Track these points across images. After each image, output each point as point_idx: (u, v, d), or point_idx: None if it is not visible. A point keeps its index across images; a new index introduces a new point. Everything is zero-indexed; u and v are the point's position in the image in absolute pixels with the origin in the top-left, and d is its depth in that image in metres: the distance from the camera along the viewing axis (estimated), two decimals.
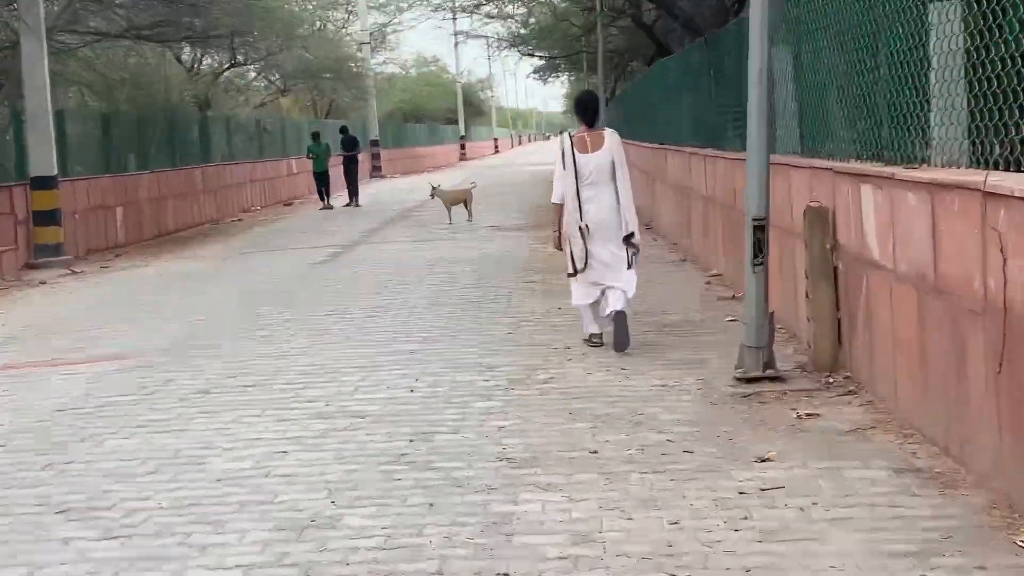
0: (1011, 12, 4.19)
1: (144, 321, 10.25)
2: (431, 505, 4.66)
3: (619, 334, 7.57)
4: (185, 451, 5.71)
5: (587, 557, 4.00)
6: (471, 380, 6.96)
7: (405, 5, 44.64)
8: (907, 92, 5.29)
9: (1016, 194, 4.00)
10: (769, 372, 6.38)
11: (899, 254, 5.35)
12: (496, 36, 37.18)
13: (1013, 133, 4.24)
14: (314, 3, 37.61)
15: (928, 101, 5.05)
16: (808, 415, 5.68)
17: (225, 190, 25.35)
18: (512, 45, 36.00)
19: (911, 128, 5.30)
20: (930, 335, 4.98)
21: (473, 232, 17.76)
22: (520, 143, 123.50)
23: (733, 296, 9.48)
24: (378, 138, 42.62)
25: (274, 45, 28.71)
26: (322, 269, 13.66)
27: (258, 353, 8.26)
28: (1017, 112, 4.17)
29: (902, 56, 5.33)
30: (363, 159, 38.80)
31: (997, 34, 4.30)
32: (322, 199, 25.70)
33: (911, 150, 5.33)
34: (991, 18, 4.33)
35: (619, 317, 7.57)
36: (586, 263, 7.73)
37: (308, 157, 26.43)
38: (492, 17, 33.16)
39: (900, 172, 5.27)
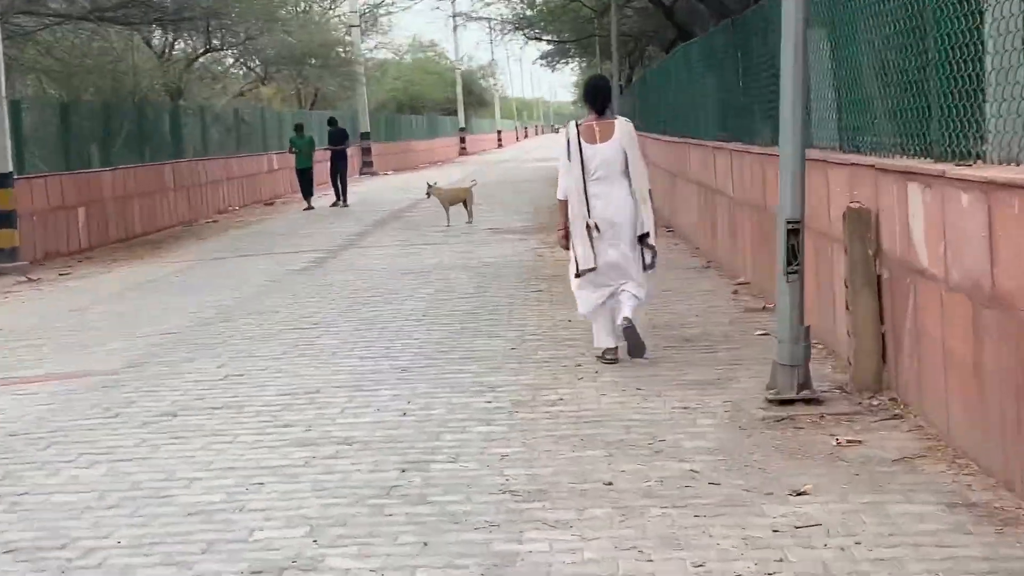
0: None
1: (106, 334, 10.21)
2: (425, 544, 4.60)
3: (631, 338, 7.59)
4: (148, 482, 5.65)
5: None
6: (469, 402, 6.91)
7: None
8: (959, 79, 5.22)
9: None
10: (805, 393, 6.32)
11: (951, 261, 5.30)
12: (499, 18, 37.31)
13: None
14: None
15: (982, 89, 4.98)
16: (849, 442, 5.62)
17: (199, 188, 25.37)
18: (517, 28, 36.07)
19: (963, 120, 5.23)
20: (987, 351, 4.91)
21: (473, 235, 17.74)
22: (526, 136, 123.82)
23: (763, 307, 9.44)
24: (369, 131, 42.61)
25: (254, 28, 28.74)
26: (304, 277, 13.63)
27: (231, 371, 8.22)
28: None
29: (953, 38, 5.26)
30: (352, 154, 38.89)
31: None
32: (306, 199, 25.68)
33: (964, 145, 5.27)
34: None
35: (628, 323, 7.61)
36: (593, 265, 7.69)
37: (290, 151, 26.41)
38: None
39: (951, 170, 5.21)
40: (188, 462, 5.95)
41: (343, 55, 39.69)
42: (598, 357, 7.83)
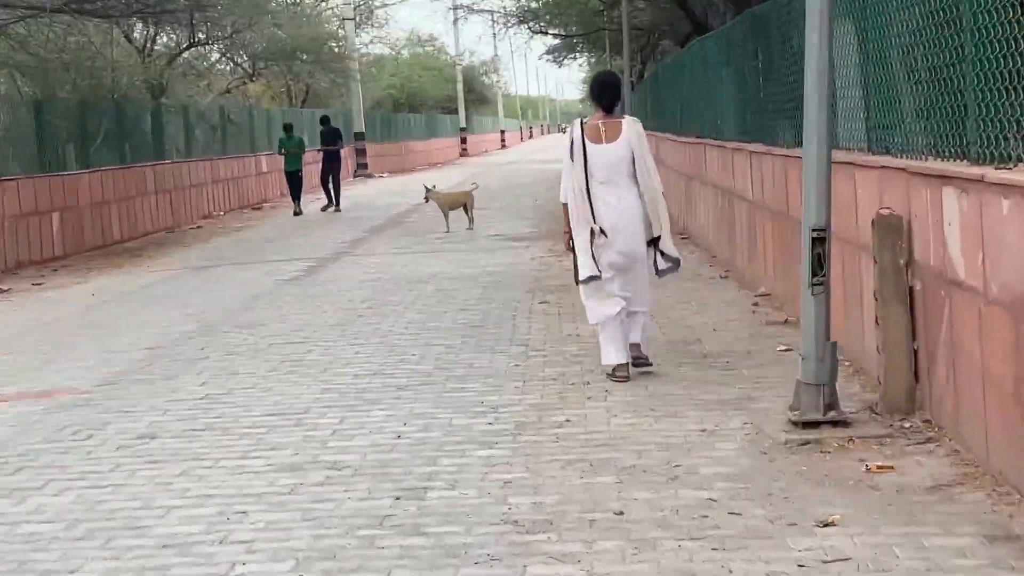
0: None
1: (80, 350, 10.18)
2: None
3: (637, 363, 7.78)
4: (122, 511, 5.59)
5: None
6: (470, 423, 6.87)
7: None
8: (997, 75, 5.15)
9: None
10: (831, 415, 6.27)
11: (990, 272, 5.25)
12: (503, 11, 37.27)
13: None
14: None
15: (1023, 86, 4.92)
16: (879, 468, 5.57)
17: (182, 192, 25.36)
18: (521, 21, 36.04)
19: (1003, 119, 5.16)
20: None
21: (474, 242, 17.76)
22: (531, 136, 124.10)
23: (786, 320, 9.42)
24: (363, 130, 42.65)
25: (241, 21, 28.71)
26: (293, 287, 13.61)
27: (214, 390, 8.19)
28: None
29: (990, 31, 5.20)
30: (346, 155, 38.90)
31: None
32: (295, 203, 25.65)
33: (1004, 146, 5.21)
34: None
35: (634, 347, 7.78)
36: (596, 273, 7.71)
37: (280, 153, 26.39)
38: None
39: (991, 173, 5.16)
40: (165, 489, 5.90)
41: (336, 50, 39.74)
42: (608, 375, 7.77)
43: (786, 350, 8.27)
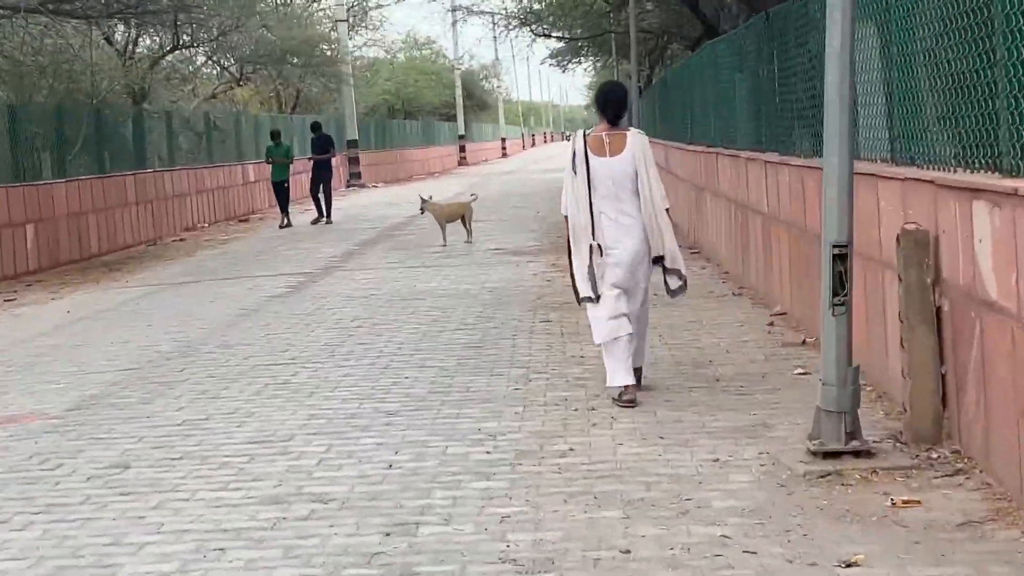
0: None
1: (52, 371, 10.11)
2: None
3: (628, 403, 7.66)
4: (91, 547, 5.50)
5: None
6: (466, 452, 6.80)
7: None
8: None
9: None
10: (853, 444, 6.19)
11: None
12: (503, 12, 37.28)
13: None
14: None
15: None
16: (905, 502, 5.49)
17: (164, 202, 25.31)
18: (523, 23, 36.06)
19: None
20: None
21: (472, 256, 17.72)
22: (533, 143, 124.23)
23: (803, 341, 9.37)
24: (356, 138, 42.64)
25: (228, 23, 28.70)
26: (280, 304, 13.55)
27: (193, 415, 8.11)
28: None
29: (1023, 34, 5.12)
30: (338, 164, 38.87)
31: None
32: (285, 214, 25.58)
33: None
34: None
35: (629, 391, 7.69)
36: (591, 294, 7.77)
37: (267, 162, 26.33)
38: None
39: None
40: (138, 524, 5.80)
41: (328, 53, 39.76)
42: (613, 400, 7.69)
43: (804, 373, 8.25)
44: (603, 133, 7.90)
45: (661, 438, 6.85)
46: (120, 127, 24.79)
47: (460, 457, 6.69)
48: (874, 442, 6.32)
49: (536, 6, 35.28)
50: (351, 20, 43.98)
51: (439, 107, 70.11)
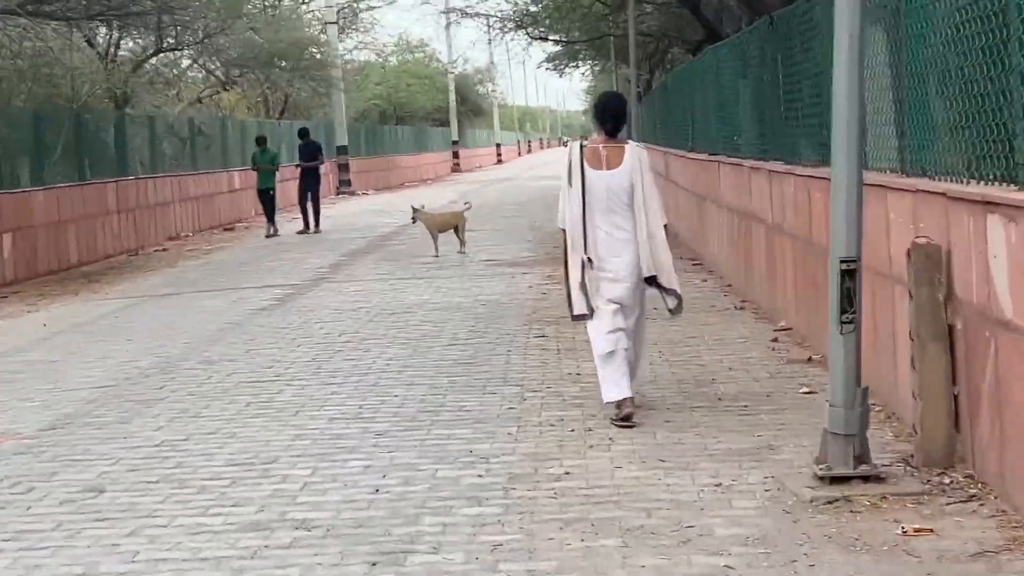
0: None
1: (26, 388, 10.04)
2: None
3: (624, 419, 7.60)
4: None
5: None
6: (457, 476, 6.73)
7: None
8: None
9: None
10: (862, 469, 6.14)
11: None
12: (499, 15, 37.22)
13: None
14: None
15: None
16: (917, 531, 5.43)
17: (146, 211, 25.27)
18: (519, 26, 36.01)
19: None
20: None
21: (465, 268, 17.67)
22: (529, 149, 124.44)
23: (809, 359, 9.33)
24: (346, 144, 42.62)
25: (213, 25, 28.66)
26: (265, 318, 13.49)
27: (172, 435, 8.04)
28: None
29: None
30: (327, 171, 38.82)
31: None
32: (272, 222, 25.50)
33: None
34: None
35: (624, 404, 7.65)
36: (585, 311, 7.79)
37: (253, 168, 26.25)
38: None
39: None
40: (112, 552, 5.73)
41: (317, 56, 39.74)
42: (612, 420, 7.65)
43: (810, 392, 8.21)
44: (600, 145, 7.91)
45: (661, 461, 6.79)
46: (101, 133, 24.73)
47: (451, 481, 6.62)
48: (884, 466, 6.26)
49: (532, 8, 35.24)
50: (341, 22, 43.97)
51: (432, 112, 70.13)
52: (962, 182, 6.16)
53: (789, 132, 10.79)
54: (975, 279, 5.89)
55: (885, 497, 5.88)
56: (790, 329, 10.51)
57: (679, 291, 7.98)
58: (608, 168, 7.81)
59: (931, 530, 5.41)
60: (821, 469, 6.17)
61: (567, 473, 6.64)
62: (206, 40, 29.92)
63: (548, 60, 44.72)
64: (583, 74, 54.43)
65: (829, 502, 5.87)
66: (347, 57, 47.74)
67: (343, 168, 42.62)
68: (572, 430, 7.59)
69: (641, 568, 5.15)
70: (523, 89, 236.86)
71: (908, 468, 6.31)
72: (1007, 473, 5.63)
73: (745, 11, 20.06)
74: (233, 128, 33.51)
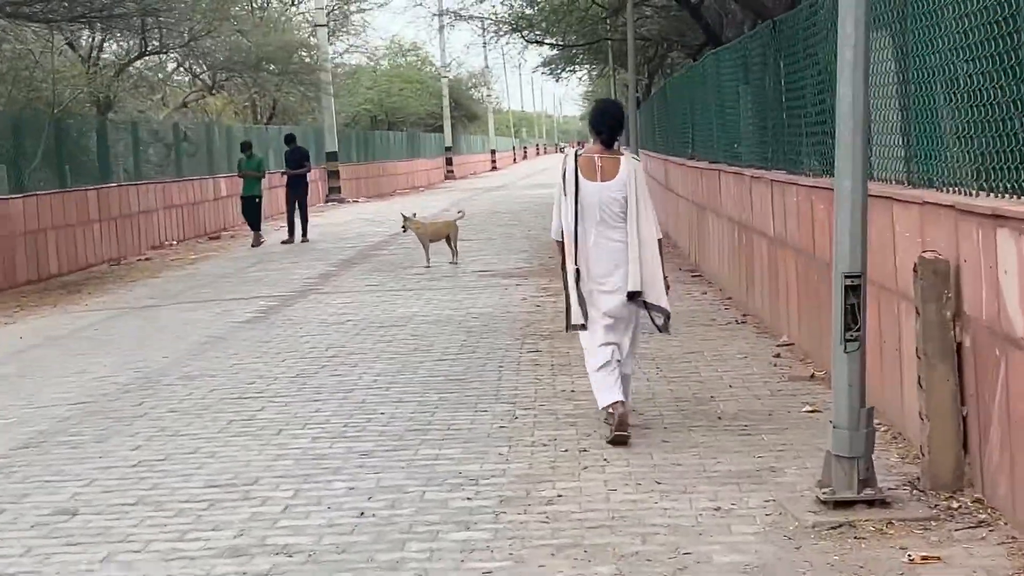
0: None
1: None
2: None
3: (618, 437, 7.55)
4: None
5: None
6: (446, 498, 6.67)
7: None
8: None
9: None
10: (867, 493, 6.08)
11: None
12: (493, 18, 37.20)
13: None
14: None
15: None
16: (924, 558, 5.36)
17: (130, 219, 25.18)
18: (514, 29, 36.01)
19: None
20: None
21: (457, 279, 17.61)
22: (525, 156, 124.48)
23: (812, 375, 9.28)
24: (336, 150, 42.54)
25: (199, 27, 28.61)
26: (249, 331, 13.41)
27: (149, 455, 7.97)
28: None
29: None
30: (316, 178, 38.75)
31: None
32: (256, 231, 25.38)
33: None
34: None
35: (618, 408, 7.61)
36: (583, 322, 7.84)
37: (239, 175, 26.15)
38: None
39: None
40: None
41: (307, 60, 39.69)
42: (607, 440, 7.60)
43: (813, 411, 8.17)
44: (596, 156, 7.92)
45: (658, 483, 6.73)
46: (83, 138, 24.67)
47: (438, 504, 6.55)
48: (889, 490, 6.21)
49: (528, 11, 35.21)
50: (331, 25, 43.95)
51: (425, 117, 70.11)
52: (971, 194, 6.12)
53: (792, 140, 10.74)
54: (984, 295, 5.84)
55: (891, 523, 5.82)
56: (792, 344, 10.44)
57: (668, 308, 7.94)
58: (603, 180, 7.83)
59: (938, 558, 5.36)
60: (824, 493, 6.11)
61: (560, 496, 6.58)
62: (192, 43, 29.87)
63: (544, 64, 44.70)
64: (580, 79, 54.53)
65: (832, 528, 5.81)
66: (337, 61, 47.76)
67: (333, 175, 42.50)
68: (566, 450, 7.52)
69: None
70: (519, 94, 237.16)
71: (915, 492, 6.25)
72: (1018, 498, 5.57)
73: (747, 15, 20.05)
74: (220, 134, 33.44)
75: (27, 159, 21.40)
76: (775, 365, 9.92)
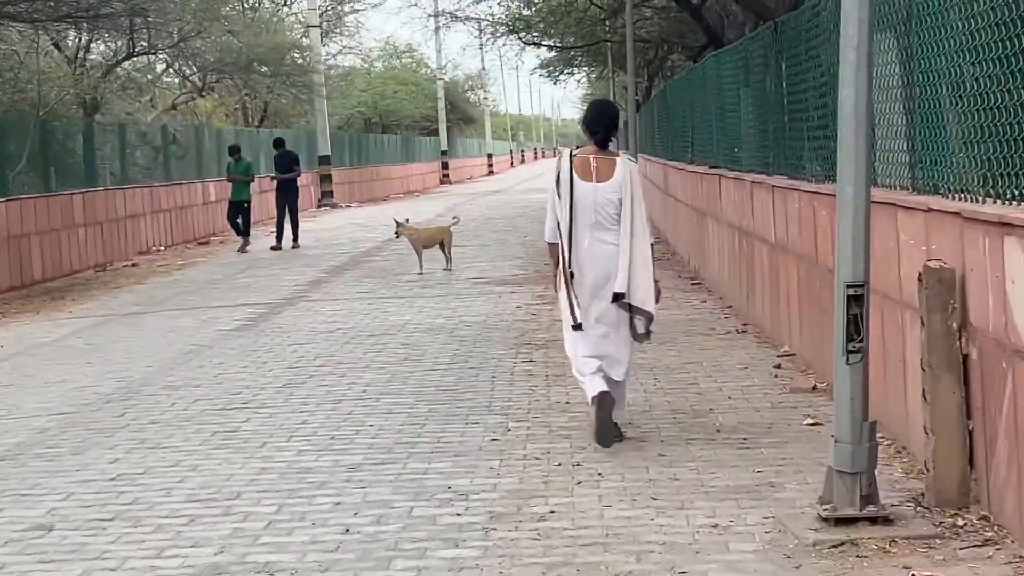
0: None
1: None
2: None
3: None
4: None
5: None
6: (434, 514, 6.60)
7: None
8: None
9: None
10: (869, 509, 6.03)
11: None
12: (490, 19, 37.20)
13: None
14: None
15: None
16: None
17: (116, 224, 25.13)
18: (512, 31, 36.00)
19: None
20: None
21: (451, 286, 17.58)
22: (523, 160, 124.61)
23: (814, 387, 9.22)
24: (329, 154, 42.52)
25: (188, 28, 28.58)
26: (236, 339, 13.37)
27: (129, 468, 7.90)
28: None
29: None
30: (309, 182, 38.73)
31: None
32: (242, 236, 25.28)
33: None
34: None
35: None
36: (578, 322, 7.86)
37: (227, 179, 26.08)
38: None
39: None
40: None
41: (299, 61, 39.68)
42: (596, 444, 7.67)
43: (815, 424, 8.12)
44: (591, 156, 7.94)
45: (654, 499, 6.67)
46: (69, 141, 24.60)
47: (427, 520, 6.49)
48: (893, 506, 6.16)
49: (525, 12, 35.20)
50: (324, 26, 43.96)
51: (420, 120, 70.14)
52: (978, 201, 6.07)
53: (794, 145, 10.69)
54: (991, 306, 5.79)
55: (894, 541, 5.76)
56: (794, 355, 10.39)
57: (652, 312, 7.92)
58: (598, 180, 7.85)
59: None
60: (825, 510, 6.07)
61: (552, 512, 6.52)
62: (181, 44, 29.85)
63: (542, 67, 44.70)
64: (579, 81, 54.54)
65: (834, 546, 5.75)
66: (330, 62, 47.71)
67: (325, 179, 42.50)
68: (559, 464, 7.46)
69: None
70: (516, 97, 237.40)
71: (919, 508, 6.20)
72: None
73: (749, 17, 20.01)
74: (209, 137, 33.39)
75: (11, 162, 21.32)
76: (776, 376, 9.86)
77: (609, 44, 36.32)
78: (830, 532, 5.91)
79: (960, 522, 5.95)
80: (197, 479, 7.51)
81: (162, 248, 27.04)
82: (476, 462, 7.61)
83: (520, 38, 36.54)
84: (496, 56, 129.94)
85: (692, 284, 16.08)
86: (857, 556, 5.62)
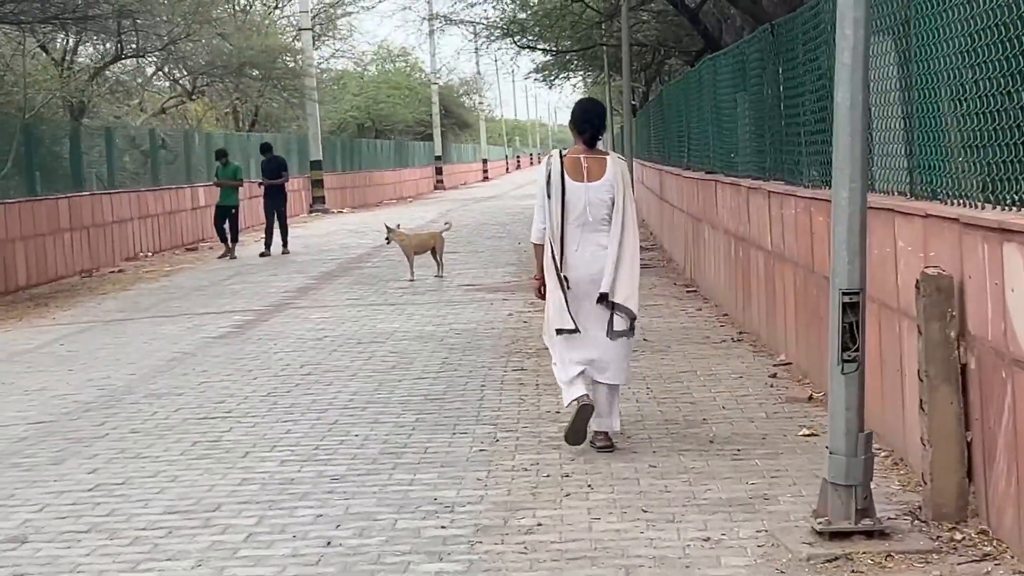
0: None
1: None
2: None
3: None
4: None
5: None
6: (418, 527, 6.55)
7: None
8: None
9: None
10: (865, 523, 5.99)
11: None
12: (485, 22, 37.18)
13: None
14: None
15: None
16: None
17: (103, 229, 25.08)
18: (507, 34, 35.96)
19: None
20: None
21: (442, 293, 17.57)
22: (519, 165, 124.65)
23: (810, 397, 9.19)
24: (321, 159, 42.49)
25: (178, 30, 28.54)
26: (222, 347, 13.34)
27: (107, 478, 7.84)
28: None
29: None
30: (300, 187, 38.69)
31: None
32: (225, 243, 25.22)
33: None
34: None
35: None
36: (572, 326, 7.84)
37: (215, 184, 26.00)
38: None
39: None
40: None
41: (291, 65, 39.67)
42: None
43: (810, 435, 8.07)
44: (581, 156, 7.96)
45: (644, 511, 6.62)
46: (55, 145, 24.57)
47: (411, 533, 6.43)
48: (889, 519, 6.12)
49: (520, 16, 35.18)
50: (316, 29, 43.93)
51: (414, 125, 70.17)
52: (977, 207, 6.03)
53: (791, 150, 10.66)
54: (990, 314, 5.75)
55: (890, 555, 5.73)
56: (790, 364, 10.35)
57: (635, 311, 7.90)
58: (589, 180, 7.87)
59: None
60: (820, 523, 6.02)
61: (539, 524, 6.46)
62: (171, 46, 29.81)
63: (537, 71, 44.67)
64: (575, 86, 54.41)
65: (828, 560, 5.71)
66: (323, 66, 47.78)
67: (317, 184, 42.45)
68: (548, 476, 7.41)
69: None
70: (512, 101, 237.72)
71: (916, 522, 6.16)
72: None
73: (747, 20, 19.96)
74: (199, 141, 33.36)
75: None
76: (771, 386, 9.81)
77: (605, 48, 36.31)
78: (824, 546, 5.86)
79: (958, 536, 5.91)
80: (177, 490, 7.44)
81: (150, 254, 27.01)
82: (463, 473, 7.55)
83: (515, 42, 36.50)
84: (491, 60, 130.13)
85: (687, 291, 16.04)
86: (852, 571, 5.58)
